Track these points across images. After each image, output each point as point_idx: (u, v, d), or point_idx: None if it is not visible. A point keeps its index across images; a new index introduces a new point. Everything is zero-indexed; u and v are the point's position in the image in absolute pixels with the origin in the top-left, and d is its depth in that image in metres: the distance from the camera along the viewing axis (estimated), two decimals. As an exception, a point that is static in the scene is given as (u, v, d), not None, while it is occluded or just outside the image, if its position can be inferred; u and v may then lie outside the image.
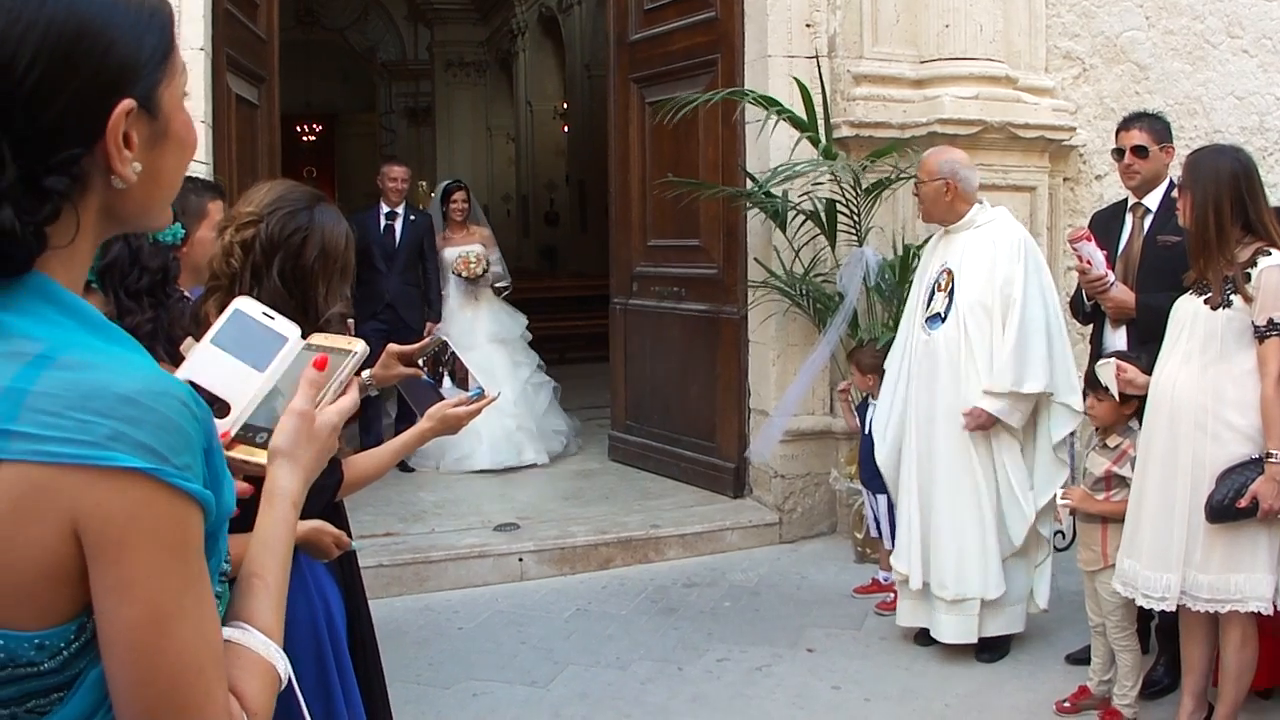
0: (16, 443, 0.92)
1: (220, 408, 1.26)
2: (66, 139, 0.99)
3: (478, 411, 2.62)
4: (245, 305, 1.34)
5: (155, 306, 1.99)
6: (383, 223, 7.75)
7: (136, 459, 0.93)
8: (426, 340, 2.78)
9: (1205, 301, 3.70)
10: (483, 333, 7.90)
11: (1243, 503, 3.55)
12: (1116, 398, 3.98)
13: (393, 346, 2.75)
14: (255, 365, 1.30)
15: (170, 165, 1.11)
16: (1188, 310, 3.77)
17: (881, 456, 4.92)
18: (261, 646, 1.13)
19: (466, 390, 2.70)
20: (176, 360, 1.97)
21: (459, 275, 7.84)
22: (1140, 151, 4.49)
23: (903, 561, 4.80)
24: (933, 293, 4.71)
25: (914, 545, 4.72)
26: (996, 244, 4.57)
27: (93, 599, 0.96)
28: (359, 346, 1.42)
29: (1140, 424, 4.01)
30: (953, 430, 4.57)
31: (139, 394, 0.94)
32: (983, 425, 4.49)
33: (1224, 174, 3.71)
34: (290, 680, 1.19)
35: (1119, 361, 3.98)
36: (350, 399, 1.35)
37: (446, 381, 2.73)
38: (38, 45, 0.97)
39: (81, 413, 0.92)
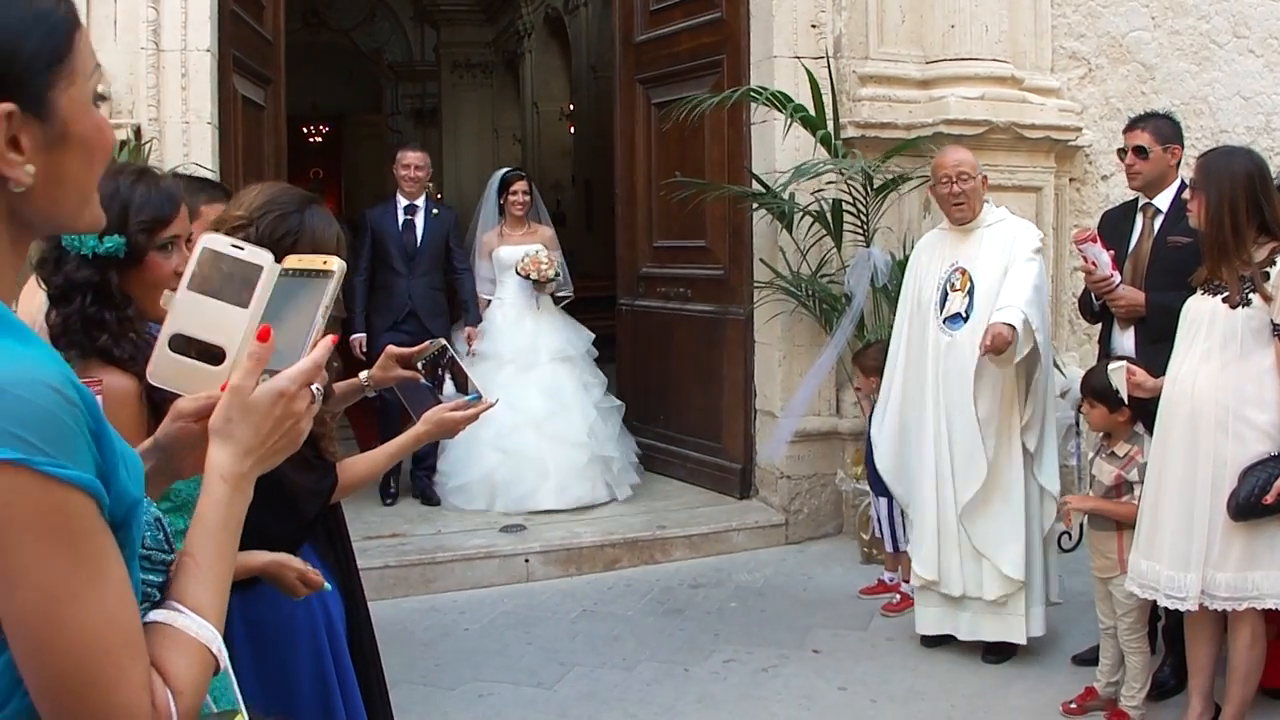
0: None
1: (216, 354, 1.24)
2: None
3: (475, 416, 2.58)
4: (212, 242, 1.28)
5: (65, 312, 2.02)
6: (401, 218, 6.77)
7: (5, 450, 0.93)
8: (426, 343, 2.74)
9: (1224, 300, 3.69)
10: (545, 349, 6.79)
11: (1269, 499, 3.52)
12: (1126, 400, 3.96)
13: (391, 348, 2.74)
14: (237, 302, 1.24)
15: (76, 168, 1.10)
16: (1204, 309, 3.75)
17: (884, 460, 4.89)
18: (192, 625, 1.12)
19: (466, 395, 2.67)
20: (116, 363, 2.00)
21: (526, 277, 6.73)
22: (1140, 152, 4.48)
23: (926, 568, 4.73)
24: (945, 293, 4.67)
25: (934, 548, 4.68)
26: (1014, 245, 4.54)
27: None
28: (336, 265, 1.32)
29: (1146, 430, 4.00)
30: (984, 429, 4.54)
31: (7, 384, 0.93)
32: (1001, 344, 4.25)
33: (1239, 175, 3.70)
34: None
35: (1128, 364, 3.96)
36: (310, 362, 1.25)
37: (448, 386, 2.70)
38: None
39: None
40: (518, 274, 6.73)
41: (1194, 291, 3.82)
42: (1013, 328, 4.27)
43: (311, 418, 1.25)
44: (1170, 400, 3.81)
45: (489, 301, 6.97)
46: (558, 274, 6.81)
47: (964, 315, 4.58)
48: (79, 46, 1.10)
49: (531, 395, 6.58)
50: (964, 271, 4.61)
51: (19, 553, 0.94)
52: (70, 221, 1.15)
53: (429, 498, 6.68)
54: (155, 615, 1.11)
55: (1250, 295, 3.64)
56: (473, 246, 7.12)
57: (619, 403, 7.06)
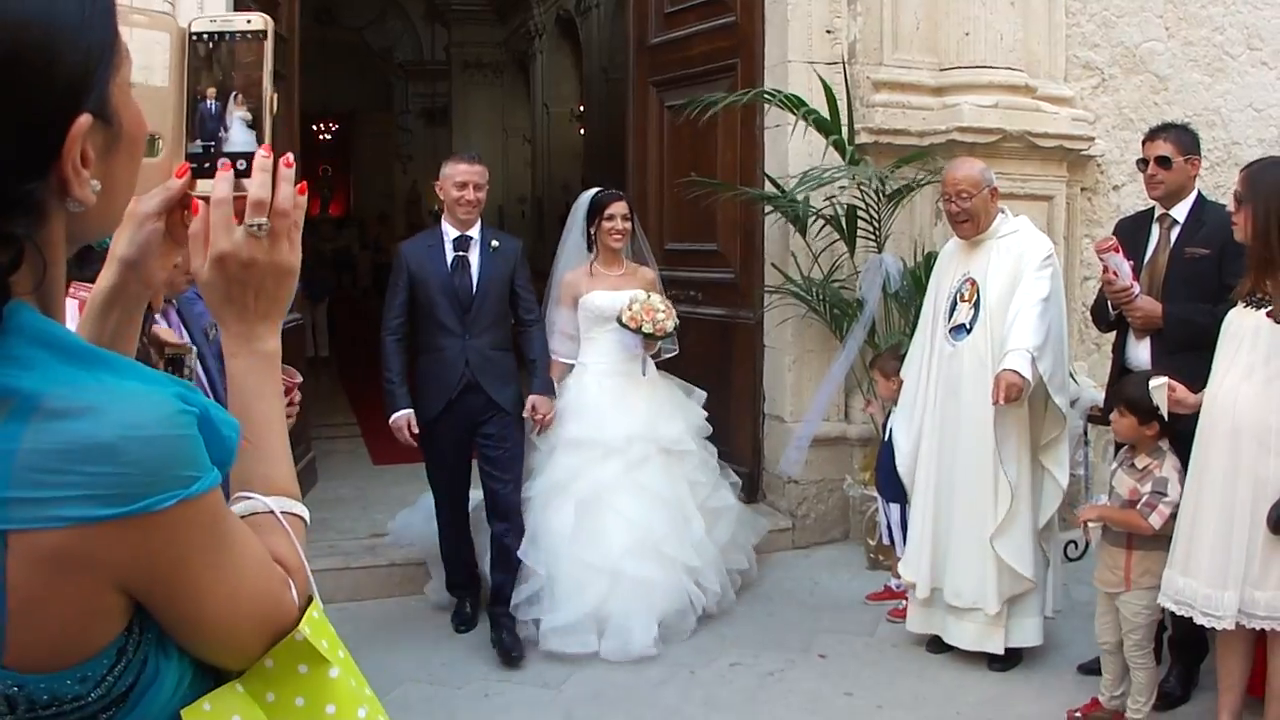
0: (20, 509, 0.85)
1: (157, 143, 1.13)
2: (18, 175, 0.88)
3: None
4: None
5: None
6: (450, 255, 4.94)
7: (152, 497, 0.90)
8: (179, 344, 2.39)
9: (1268, 315, 3.64)
10: (654, 439, 5.11)
11: None
12: (1165, 417, 3.89)
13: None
14: (160, 81, 1.13)
15: (125, 169, 1.00)
16: (1247, 324, 3.71)
17: (904, 467, 4.91)
18: (271, 505, 1.14)
19: None
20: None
21: (635, 331, 5.04)
22: (1164, 162, 4.47)
23: (910, 569, 4.83)
24: (954, 303, 4.69)
25: (924, 553, 4.74)
26: (1024, 256, 4.54)
27: (160, 616, 0.97)
28: (263, 21, 1.16)
29: (1170, 445, 3.98)
30: (973, 441, 4.56)
31: (123, 441, 0.88)
32: (1014, 393, 4.29)
33: None
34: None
35: (1170, 381, 3.86)
36: (220, 215, 1.12)
37: None
38: None
39: (82, 469, 0.87)
40: (622, 325, 5.06)
41: (1230, 304, 3.79)
42: (1023, 376, 4.30)
43: (279, 245, 1.14)
44: (1211, 416, 3.76)
45: (569, 367, 5.28)
46: (676, 328, 5.18)
47: (967, 326, 4.60)
48: (119, 26, 0.97)
49: (646, 503, 5.03)
50: (973, 282, 4.63)
51: (194, 569, 0.96)
52: (112, 228, 1.09)
53: (509, 651, 4.75)
54: (237, 509, 1.10)
55: None
56: (547, 291, 5.47)
57: (732, 502, 5.50)
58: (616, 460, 5.01)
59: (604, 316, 5.13)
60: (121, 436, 0.88)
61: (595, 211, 5.26)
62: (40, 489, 0.86)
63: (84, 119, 0.90)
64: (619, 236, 5.21)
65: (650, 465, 5.05)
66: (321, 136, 22.93)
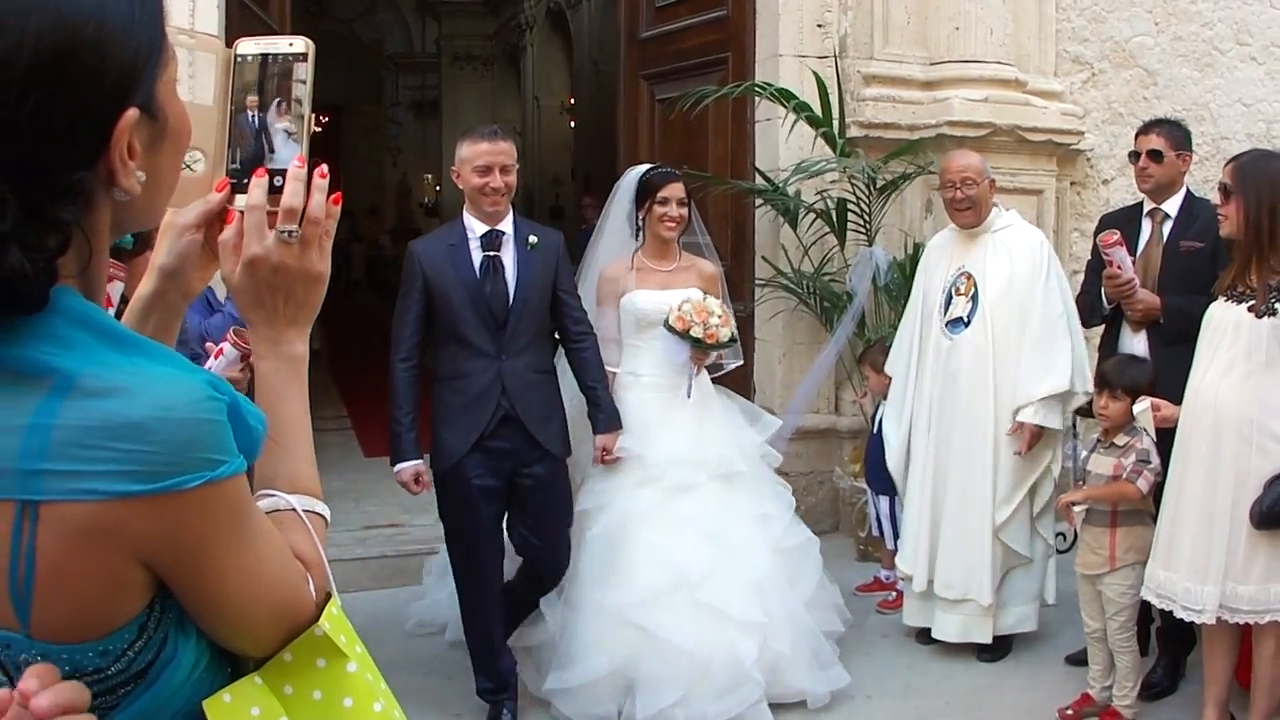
0: (53, 481, 0.90)
1: (197, 159, 1.18)
2: (69, 164, 0.93)
3: None
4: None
5: None
6: (477, 257, 3.99)
7: (179, 476, 0.93)
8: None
9: (1249, 309, 3.64)
10: (705, 462, 4.30)
11: None
12: (1154, 438, 3.92)
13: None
14: (203, 99, 1.17)
15: (169, 163, 1.06)
16: (1229, 318, 3.71)
17: (893, 462, 4.94)
18: (294, 502, 1.17)
19: None
20: None
21: (684, 335, 4.24)
22: (1156, 156, 4.49)
23: (907, 561, 4.84)
24: (949, 297, 4.71)
25: (920, 546, 4.75)
26: (1016, 249, 4.58)
27: (181, 595, 1.00)
28: (304, 44, 1.19)
29: (1141, 423, 4.01)
30: (970, 434, 4.59)
31: (154, 420, 0.91)
32: (1036, 442, 4.50)
33: (1278, 179, 3.67)
34: None
35: (1154, 400, 3.88)
36: (254, 219, 1.15)
37: None
38: (28, 69, 0.89)
39: (113, 445, 0.90)
40: (668, 329, 4.27)
41: (1212, 296, 3.80)
42: (1043, 428, 4.48)
43: (309, 252, 1.17)
44: (1192, 411, 3.76)
45: (612, 376, 4.37)
46: (734, 339, 4.40)
47: (965, 320, 4.62)
48: (166, 28, 1.03)
49: (687, 539, 4.17)
50: (969, 276, 4.65)
51: (217, 554, 0.99)
52: (155, 220, 1.12)
53: None
54: (261, 505, 1.12)
55: (1277, 305, 3.60)
56: (582, 287, 4.50)
57: (810, 536, 4.63)
58: (651, 488, 4.24)
59: (649, 321, 4.35)
60: (152, 416, 0.92)
61: (646, 193, 4.41)
62: (74, 463, 0.90)
63: (131, 113, 0.96)
64: (673, 224, 4.36)
65: (696, 494, 4.24)
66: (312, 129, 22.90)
